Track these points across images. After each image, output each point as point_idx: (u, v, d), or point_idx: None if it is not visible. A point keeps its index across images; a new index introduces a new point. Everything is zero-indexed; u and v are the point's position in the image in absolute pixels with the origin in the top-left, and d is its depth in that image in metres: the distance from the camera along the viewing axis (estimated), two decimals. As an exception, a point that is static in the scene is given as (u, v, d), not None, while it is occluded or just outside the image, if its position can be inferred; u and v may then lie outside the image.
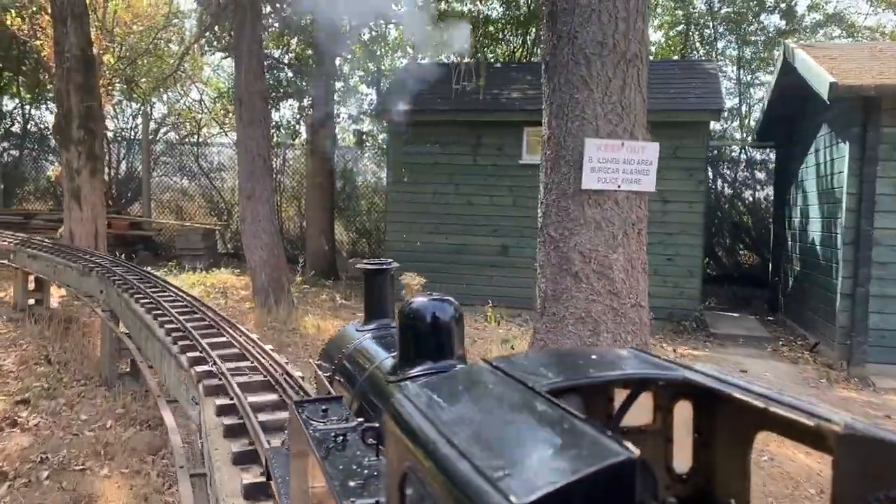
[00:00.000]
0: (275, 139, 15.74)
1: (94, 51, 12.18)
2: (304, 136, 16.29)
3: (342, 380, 1.86)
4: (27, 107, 18.69)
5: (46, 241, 10.29)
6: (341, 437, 1.38)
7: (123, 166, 18.48)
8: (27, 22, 14.87)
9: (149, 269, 8.20)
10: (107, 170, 15.99)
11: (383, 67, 18.14)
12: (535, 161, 9.14)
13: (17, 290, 9.59)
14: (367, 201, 16.94)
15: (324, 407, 1.54)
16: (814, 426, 0.77)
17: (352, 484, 1.24)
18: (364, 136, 18.07)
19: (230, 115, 16.95)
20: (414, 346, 1.45)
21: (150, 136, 17.34)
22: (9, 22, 14.73)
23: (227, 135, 18.10)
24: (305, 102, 15.94)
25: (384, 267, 1.95)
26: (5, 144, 18.03)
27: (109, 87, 16.12)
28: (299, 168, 16.78)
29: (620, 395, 0.99)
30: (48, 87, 16.41)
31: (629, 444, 0.69)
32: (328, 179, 14.69)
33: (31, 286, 9.63)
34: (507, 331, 9.07)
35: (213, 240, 16.13)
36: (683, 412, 0.96)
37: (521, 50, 17.50)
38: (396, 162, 11.86)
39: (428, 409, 0.86)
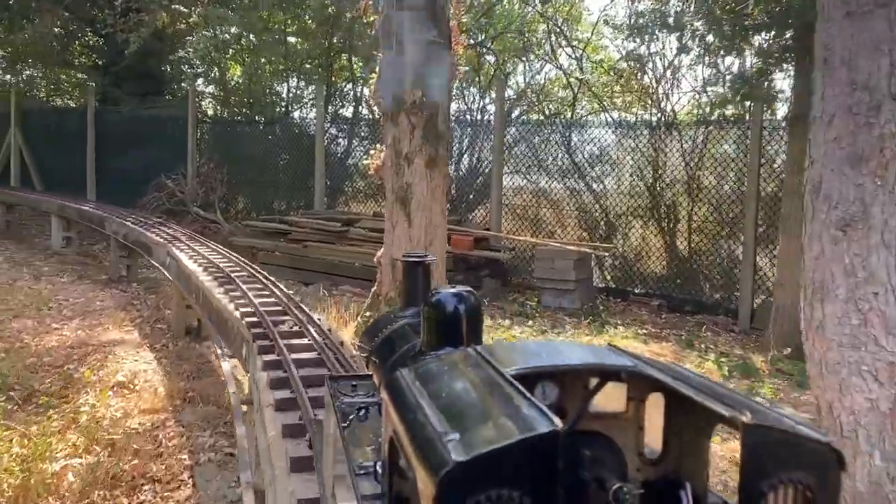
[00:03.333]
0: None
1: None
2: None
3: (376, 360, 1.80)
4: (359, 85, 15.14)
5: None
6: (364, 410, 1.57)
7: (465, 160, 13.86)
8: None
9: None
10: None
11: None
12: None
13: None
14: None
15: (353, 383, 1.76)
16: (728, 416, 0.84)
17: (365, 447, 1.44)
18: None
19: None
20: (435, 333, 1.43)
21: (504, 116, 12.29)
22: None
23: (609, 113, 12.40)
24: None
25: (421, 260, 1.98)
26: (332, 131, 14.48)
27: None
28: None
29: (614, 386, 1.05)
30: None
31: (555, 419, 0.78)
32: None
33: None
34: None
35: (589, 268, 10.51)
36: (657, 402, 1.02)
37: None
38: None
39: (414, 385, 0.99)
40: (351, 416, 1.56)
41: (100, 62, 18.61)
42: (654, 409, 1.04)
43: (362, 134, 14.42)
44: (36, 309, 8.04)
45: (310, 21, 15.05)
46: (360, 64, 14.83)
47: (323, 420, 1.90)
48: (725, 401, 0.89)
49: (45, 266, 10.79)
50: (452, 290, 1.42)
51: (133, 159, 16.08)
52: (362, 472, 1.33)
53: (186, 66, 18.39)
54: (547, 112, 13.57)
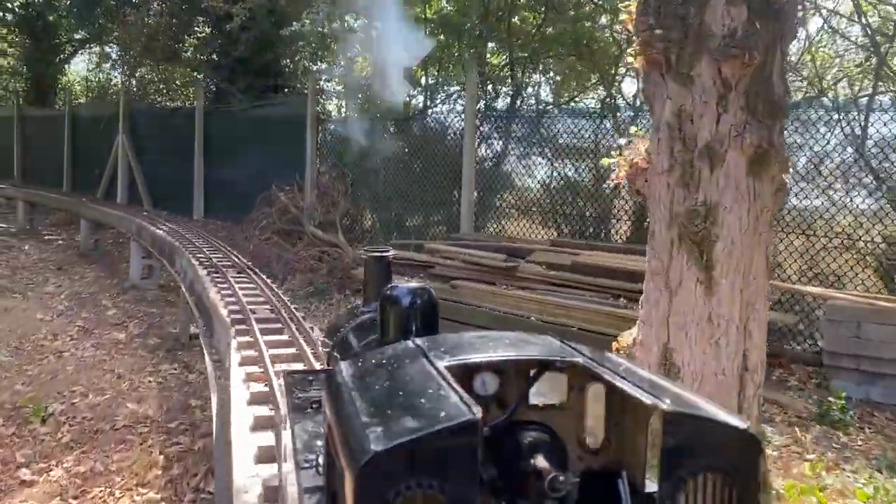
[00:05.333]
0: None
1: None
2: None
3: (337, 355, 1.87)
4: (521, 69, 11.69)
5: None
6: (317, 404, 1.53)
7: None
8: None
9: None
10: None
11: None
12: None
13: None
14: None
15: (310, 378, 1.74)
16: (649, 403, 0.87)
17: (314, 441, 1.37)
18: None
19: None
20: (390, 326, 1.47)
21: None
22: None
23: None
24: None
25: (384, 254, 2.00)
26: (482, 129, 11.09)
27: None
28: None
29: (551, 377, 1.05)
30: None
31: (476, 409, 0.80)
32: None
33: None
34: None
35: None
36: (598, 393, 1.02)
37: None
38: None
39: (351, 376, 1.01)
40: (307, 411, 1.55)
41: (213, 55, 16.32)
42: (596, 400, 1.04)
43: (520, 133, 10.94)
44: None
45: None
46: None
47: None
48: (651, 389, 0.91)
49: (112, 308, 8.07)
50: (407, 286, 1.47)
51: (243, 167, 13.51)
52: (307, 465, 1.30)
53: (306, 53, 15.67)
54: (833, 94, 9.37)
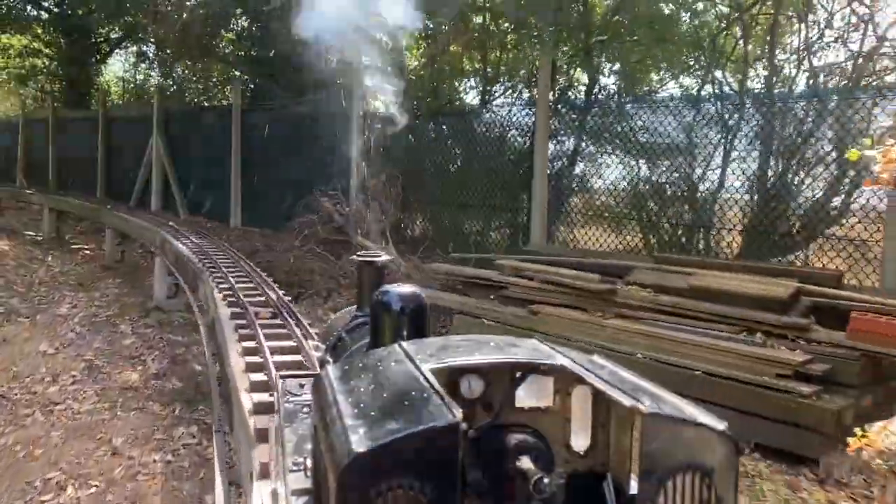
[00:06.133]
0: None
1: None
2: None
3: (330, 359, 1.87)
4: (602, 53, 10.18)
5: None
6: (308, 408, 1.53)
7: (752, 159, 8.42)
8: None
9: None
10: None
11: None
12: None
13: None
14: None
15: (302, 382, 1.80)
16: (629, 405, 0.87)
17: (303, 445, 1.38)
18: None
19: None
20: (382, 330, 1.47)
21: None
22: None
23: None
24: None
25: (375, 259, 2.02)
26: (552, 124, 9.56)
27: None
28: None
29: (537, 380, 1.04)
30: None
31: (457, 411, 0.82)
32: None
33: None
34: None
35: None
36: (584, 396, 1.02)
37: None
38: None
39: (338, 379, 1.02)
40: (299, 415, 1.55)
41: (252, 50, 15.21)
42: (582, 403, 1.03)
43: (597, 127, 9.41)
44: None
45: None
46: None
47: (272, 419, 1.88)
48: (633, 392, 0.91)
49: (130, 336, 6.88)
50: (398, 290, 1.46)
51: (284, 169, 12.30)
52: (295, 468, 1.29)
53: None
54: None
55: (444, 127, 11.40)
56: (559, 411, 1.03)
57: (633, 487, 0.94)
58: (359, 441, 0.78)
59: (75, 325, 7.21)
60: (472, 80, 12.38)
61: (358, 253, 2.08)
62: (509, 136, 10.16)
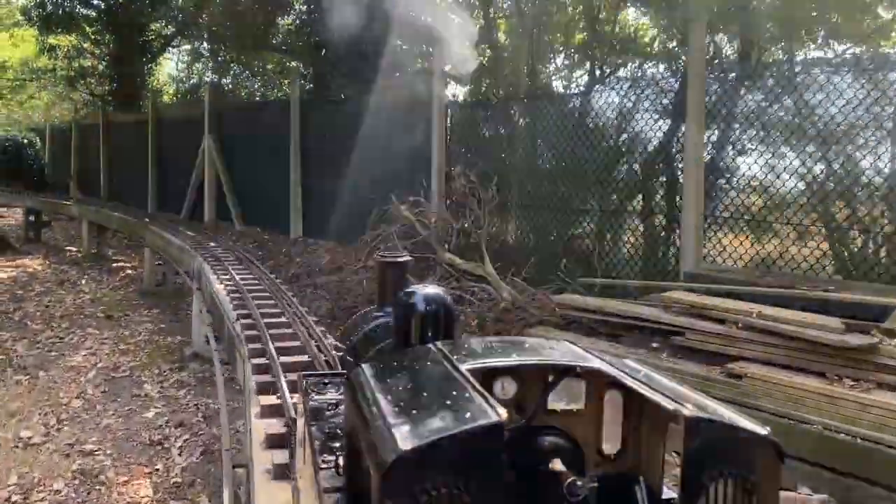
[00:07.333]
0: None
1: None
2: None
3: (351, 358, 1.84)
4: None
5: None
6: (333, 406, 1.57)
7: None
8: None
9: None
10: None
11: None
12: None
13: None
14: None
15: (326, 381, 1.77)
16: (672, 409, 0.86)
17: (331, 442, 1.38)
18: None
19: None
20: (406, 330, 1.44)
21: None
22: None
23: None
24: None
25: (398, 260, 1.98)
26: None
27: None
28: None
29: (570, 383, 1.05)
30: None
31: (501, 411, 0.81)
32: None
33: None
34: None
35: None
36: (616, 399, 1.03)
37: None
38: None
39: (374, 378, 1.01)
40: (324, 413, 1.53)
41: (312, 38, 13.36)
42: (614, 407, 1.03)
43: (759, 107, 7.06)
44: None
45: None
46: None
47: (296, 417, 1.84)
48: (673, 396, 0.90)
49: (155, 402, 5.04)
50: (424, 290, 1.44)
51: (350, 170, 10.34)
52: (325, 466, 1.28)
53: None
54: None
55: (545, 112, 9.21)
56: (591, 414, 1.04)
57: (666, 492, 0.94)
58: (403, 439, 0.78)
59: (87, 384, 5.41)
60: (575, 55, 10.14)
61: (379, 253, 1.99)
62: (635, 119, 7.94)
